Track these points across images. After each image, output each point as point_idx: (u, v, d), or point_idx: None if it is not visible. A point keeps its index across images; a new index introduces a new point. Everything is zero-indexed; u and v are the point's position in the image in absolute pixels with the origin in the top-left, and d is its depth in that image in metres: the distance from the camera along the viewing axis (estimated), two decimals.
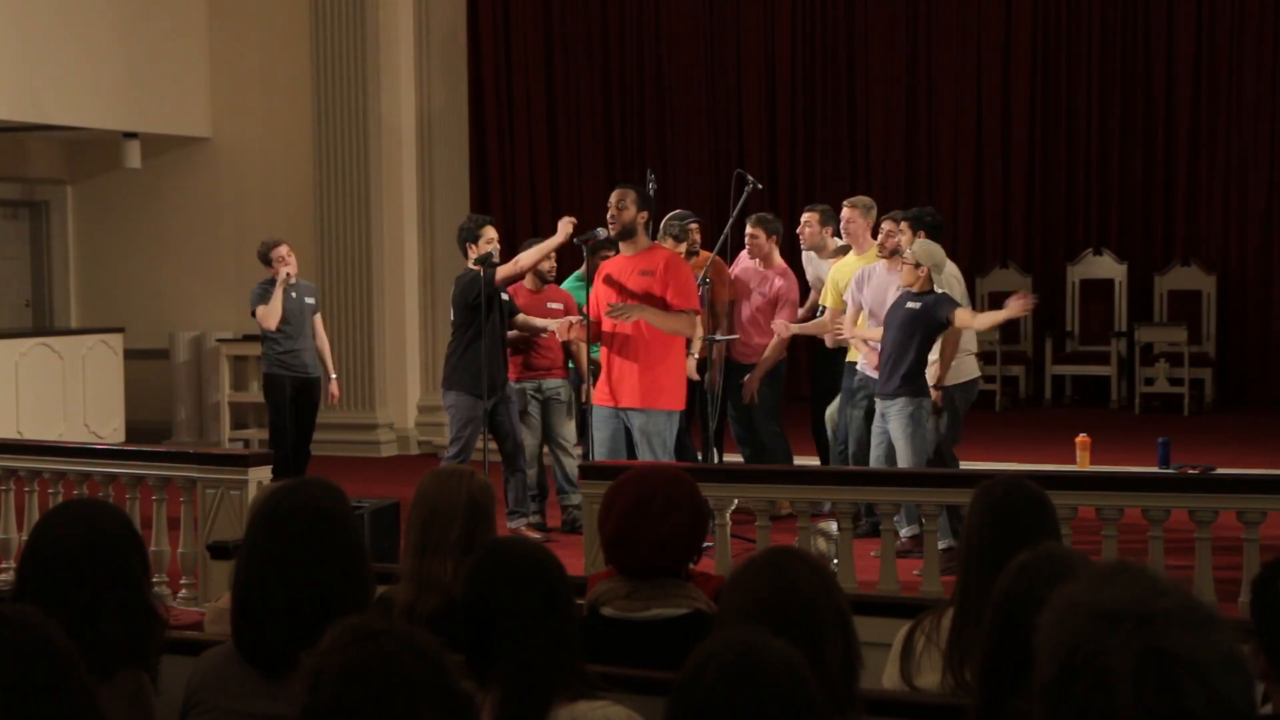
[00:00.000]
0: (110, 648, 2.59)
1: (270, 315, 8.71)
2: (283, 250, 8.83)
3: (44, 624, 2.06)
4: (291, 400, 8.82)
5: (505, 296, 8.13)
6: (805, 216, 8.51)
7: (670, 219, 8.56)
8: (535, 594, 2.61)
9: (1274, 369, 12.65)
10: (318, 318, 9.07)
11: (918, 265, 7.07)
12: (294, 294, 8.83)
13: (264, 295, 8.77)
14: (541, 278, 8.48)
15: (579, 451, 7.47)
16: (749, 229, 8.51)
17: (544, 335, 8.18)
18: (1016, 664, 2.33)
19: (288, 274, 8.76)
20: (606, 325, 7.11)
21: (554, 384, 8.37)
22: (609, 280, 7.14)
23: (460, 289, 8.03)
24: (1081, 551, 2.59)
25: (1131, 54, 13.02)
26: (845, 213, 8.11)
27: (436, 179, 12.18)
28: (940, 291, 7.13)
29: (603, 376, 7.19)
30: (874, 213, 8.03)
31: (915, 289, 7.10)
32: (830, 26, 13.77)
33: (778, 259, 8.53)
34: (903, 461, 7.01)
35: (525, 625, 2.57)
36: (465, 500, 3.43)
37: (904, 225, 7.57)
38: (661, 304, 7.01)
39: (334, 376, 9.23)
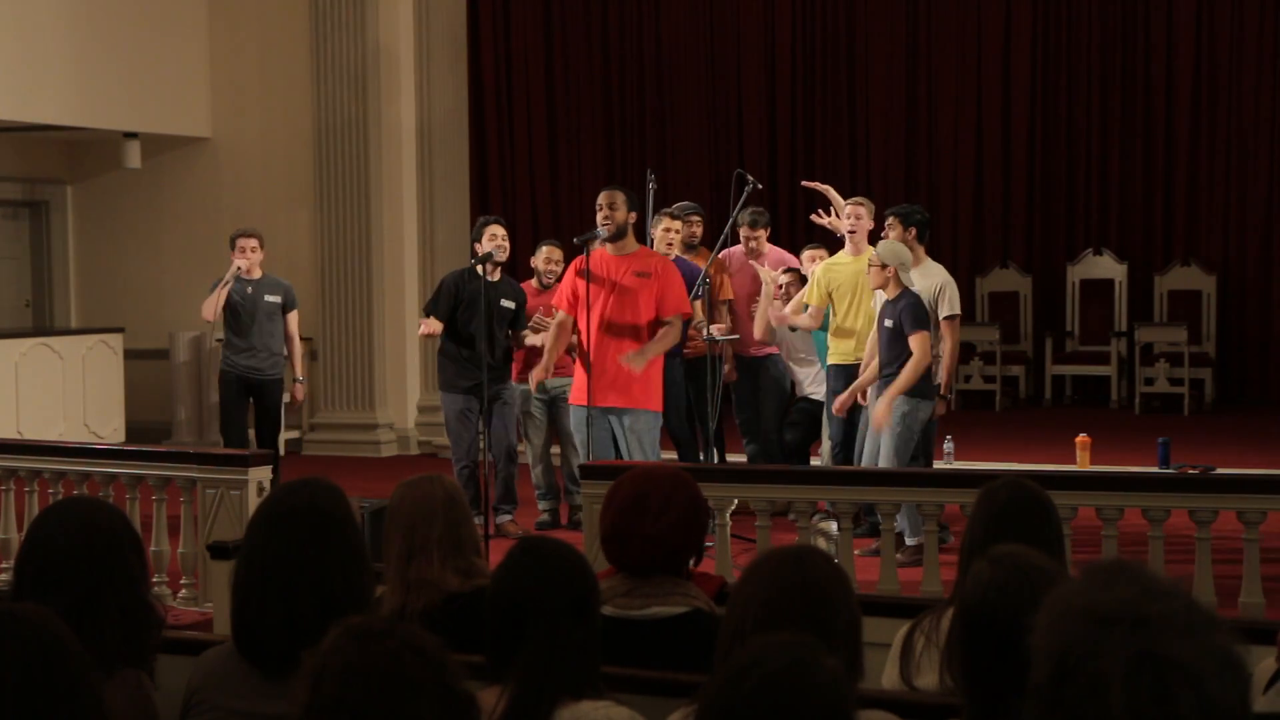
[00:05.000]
0: (108, 646, 2.58)
1: (207, 306, 8.53)
2: (248, 243, 8.61)
3: (53, 622, 2.06)
4: (244, 401, 8.70)
5: (509, 304, 8.16)
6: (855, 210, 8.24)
7: (677, 206, 8.66)
8: (568, 594, 2.61)
9: (1274, 369, 12.65)
10: (291, 317, 8.79)
11: (884, 266, 7.10)
12: (249, 289, 8.60)
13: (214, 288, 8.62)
14: (540, 281, 8.50)
15: None
16: (748, 231, 8.49)
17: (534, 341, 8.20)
18: (994, 670, 2.33)
19: (238, 267, 8.53)
20: (591, 325, 7.13)
21: (558, 382, 8.39)
22: (595, 278, 7.14)
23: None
24: (1040, 552, 2.57)
25: (1131, 54, 13.02)
26: (850, 210, 8.08)
27: (436, 179, 12.17)
28: (911, 297, 7.13)
29: (583, 376, 7.19)
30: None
31: (885, 292, 7.15)
32: (830, 27, 13.77)
33: (767, 248, 8.61)
34: (884, 458, 7.04)
35: (554, 624, 2.57)
36: (442, 498, 3.45)
37: (892, 220, 7.63)
38: (655, 308, 7.06)
39: (299, 380, 8.97)
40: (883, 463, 7.04)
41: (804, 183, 8.56)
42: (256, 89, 12.60)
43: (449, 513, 3.43)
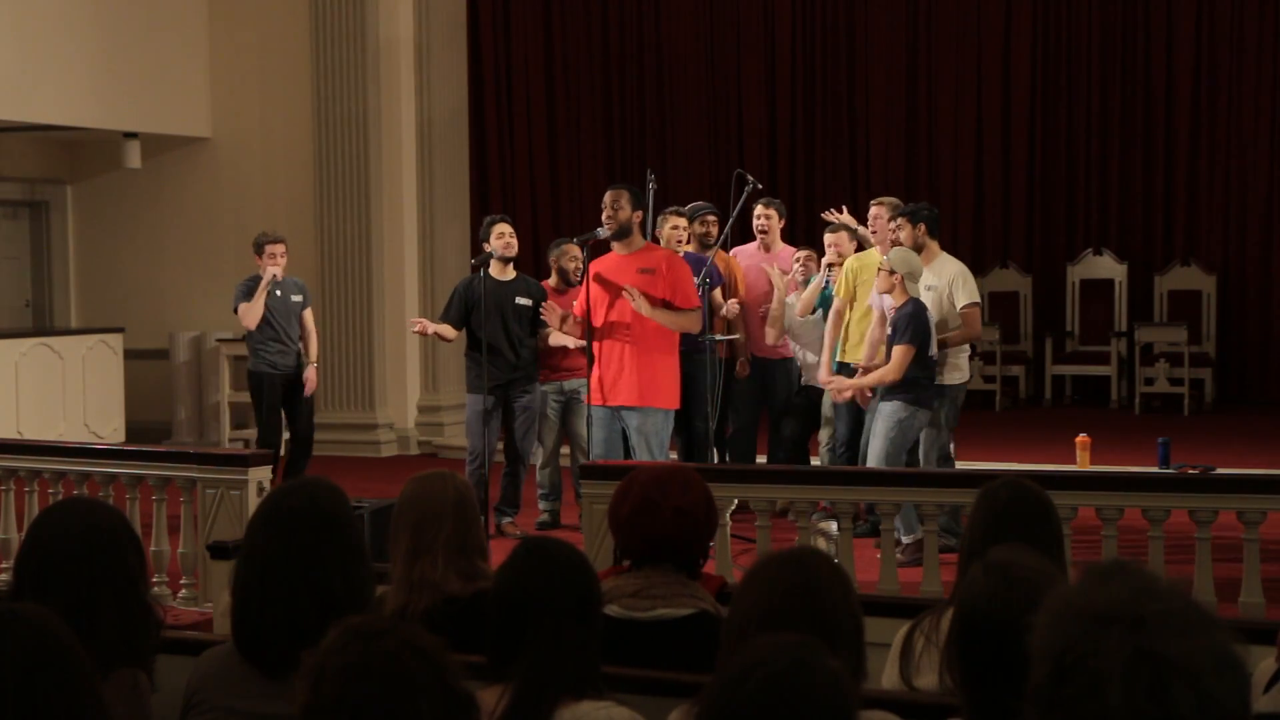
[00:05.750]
0: (107, 646, 2.58)
1: (251, 315, 8.69)
2: (277, 249, 8.78)
3: (52, 622, 2.06)
4: (283, 398, 8.86)
5: (525, 301, 8.17)
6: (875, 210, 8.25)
7: (691, 206, 8.66)
8: (571, 595, 2.62)
9: (1274, 369, 12.66)
10: (307, 313, 9.01)
11: (892, 272, 7.10)
12: (278, 292, 8.78)
13: (248, 293, 8.73)
14: (566, 279, 8.48)
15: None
16: (762, 209, 8.53)
17: (568, 346, 8.16)
18: (993, 674, 2.33)
19: (274, 274, 8.72)
20: (598, 322, 7.13)
21: (575, 384, 8.40)
22: (600, 278, 7.14)
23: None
24: (1040, 555, 2.57)
25: (1131, 54, 13.03)
26: (873, 211, 8.07)
27: (436, 179, 12.17)
28: (913, 307, 7.12)
29: (595, 375, 7.19)
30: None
31: (892, 297, 7.16)
32: (830, 27, 13.78)
33: (780, 244, 8.62)
34: (872, 457, 7.03)
35: (557, 625, 2.58)
36: (453, 499, 3.44)
37: (902, 220, 7.60)
38: (663, 302, 7.04)
39: (314, 363, 9.03)
40: (872, 461, 7.03)
41: (824, 214, 8.56)
42: (256, 89, 12.60)
43: (458, 515, 3.43)
